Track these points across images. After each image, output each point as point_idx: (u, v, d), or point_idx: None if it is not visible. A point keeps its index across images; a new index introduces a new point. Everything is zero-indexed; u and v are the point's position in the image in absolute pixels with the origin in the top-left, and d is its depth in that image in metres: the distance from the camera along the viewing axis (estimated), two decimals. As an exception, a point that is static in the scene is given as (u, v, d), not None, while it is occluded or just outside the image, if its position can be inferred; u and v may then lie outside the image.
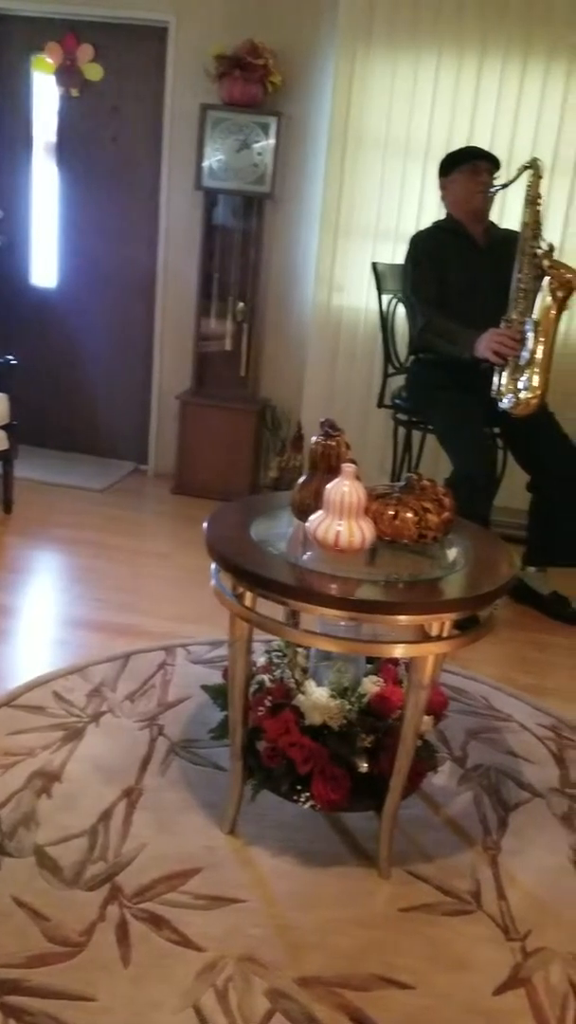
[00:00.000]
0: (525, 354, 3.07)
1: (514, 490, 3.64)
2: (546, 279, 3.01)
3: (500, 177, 3.37)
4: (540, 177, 3.10)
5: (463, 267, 3.40)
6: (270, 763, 1.99)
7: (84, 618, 3.12)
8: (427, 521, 1.99)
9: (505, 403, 3.14)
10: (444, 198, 3.51)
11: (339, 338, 4.31)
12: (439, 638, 1.83)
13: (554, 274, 2.99)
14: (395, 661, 2.21)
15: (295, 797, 1.97)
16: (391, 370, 3.76)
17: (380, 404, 3.81)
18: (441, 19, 3.88)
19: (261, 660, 2.21)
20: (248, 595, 1.88)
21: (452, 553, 2.02)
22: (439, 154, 3.95)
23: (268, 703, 2.04)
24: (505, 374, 3.13)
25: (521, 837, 2.17)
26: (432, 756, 2.19)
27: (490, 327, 3.14)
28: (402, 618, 1.78)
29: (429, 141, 4.01)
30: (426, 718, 2.09)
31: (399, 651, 1.85)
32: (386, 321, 3.73)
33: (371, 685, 2.08)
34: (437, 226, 3.54)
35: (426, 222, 4.04)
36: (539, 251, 3.06)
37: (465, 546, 2.06)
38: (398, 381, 3.75)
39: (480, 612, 1.98)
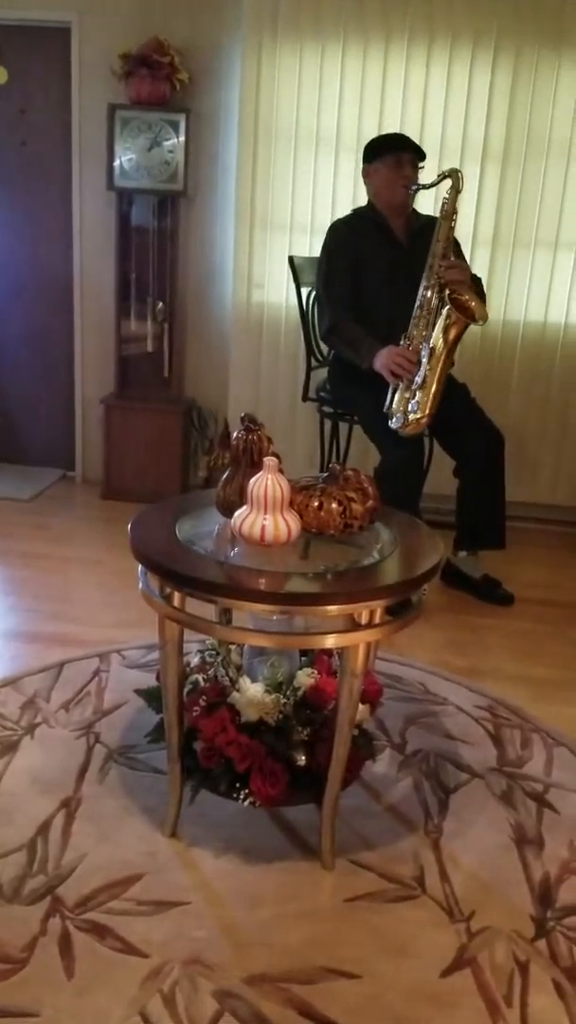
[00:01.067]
0: (418, 378, 3.11)
1: (442, 477, 3.69)
2: (445, 308, 3.04)
3: (425, 168, 3.37)
4: (459, 191, 3.11)
5: (379, 260, 3.39)
6: (207, 763, 1.97)
7: (15, 630, 3.05)
8: (352, 510, 1.99)
9: (394, 423, 3.18)
10: (366, 186, 3.47)
11: (261, 334, 4.30)
12: (369, 625, 1.84)
13: (451, 314, 3.02)
14: (329, 652, 2.21)
15: (234, 795, 1.95)
16: (314, 364, 3.77)
17: (305, 398, 3.82)
18: (344, 9, 3.90)
19: (195, 661, 2.19)
20: (176, 595, 1.86)
21: (378, 541, 2.03)
22: (351, 143, 4.01)
23: (203, 703, 2.02)
24: (398, 393, 3.16)
25: (462, 819, 2.19)
26: (370, 745, 2.20)
27: (399, 328, 3.17)
28: (331, 608, 1.78)
29: (339, 131, 4.02)
30: (362, 707, 2.10)
31: (330, 641, 1.85)
32: (306, 315, 3.74)
33: (306, 678, 2.08)
34: (356, 214, 3.53)
35: (341, 213, 4.06)
36: (443, 278, 3.09)
37: (391, 533, 2.07)
38: (322, 374, 3.75)
39: (411, 597, 1.99)
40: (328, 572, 1.86)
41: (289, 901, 1.89)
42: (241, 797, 1.95)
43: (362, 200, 4.02)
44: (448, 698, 2.75)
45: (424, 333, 3.12)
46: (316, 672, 2.10)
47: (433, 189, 3.28)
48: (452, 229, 3.15)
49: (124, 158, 4.09)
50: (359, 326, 3.31)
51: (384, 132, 3.86)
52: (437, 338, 3.07)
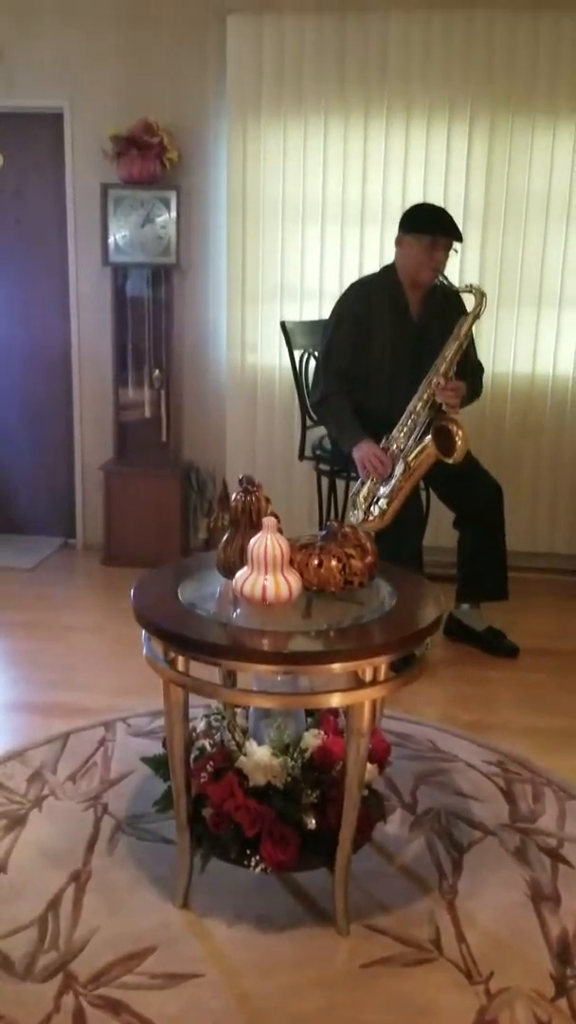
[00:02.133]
0: (386, 488, 3.16)
1: (442, 529, 3.71)
2: (427, 437, 3.10)
3: (459, 251, 3.37)
4: (478, 316, 3.17)
5: (388, 333, 3.36)
6: (217, 829, 1.95)
7: (19, 701, 3.04)
8: (351, 567, 2.01)
9: (352, 518, 3.23)
10: (396, 249, 3.38)
11: (256, 396, 4.37)
12: (373, 682, 1.84)
13: (429, 446, 3.08)
14: (335, 712, 2.20)
15: (245, 862, 1.93)
16: (309, 423, 3.82)
17: (301, 456, 3.86)
18: (324, 85, 4.05)
19: (201, 725, 2.18)
20: (180, 659, 1.87)
21: (379, 597, 2.04)
22: (335, 212, 4.13)
23: (210, 768, 2.01)
24: (366, 487, 3.21)
25: (476, 877, 2.16)
26: (380, 805, 2.18)
27: (395, 405, 3.21)
28: (335, 666, 1.79)
29: (324, 200, 4.14)
30: (370, 766, 2.09)
31: (335, 700, 1.85)
32: (299, 376, 3.80)
33: (312, 739, 2.06)
34: (377, 277, 3.46)
35: (329, 279, 4.18)
36: (438, 397, 3.13)
37: (391, 588, 2.08)
38: (317, 433, 3.80)
39: (414, 652, 1.99)
40: (330, 630, 1.88)
41: (304, 968, 1.86)
42: (252, 864, 1.93)
43: (348, 267, 4.15)
44: (458, 754, 2.73)
45: (404, 445, 3.16)
46: (323, 733, 2.09)
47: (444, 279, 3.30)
48: (460, 350, 3.16)
49: (118, 234, 4.20)
50: (350, 405, 3.33)
51: (368, 202, 4.03)
52: (413, 458, 3.12)
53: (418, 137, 4.06)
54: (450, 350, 3.18)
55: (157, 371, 4.39)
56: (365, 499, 3.21)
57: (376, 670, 1.85)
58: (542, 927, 2.00)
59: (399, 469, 3.15)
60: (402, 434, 3.18)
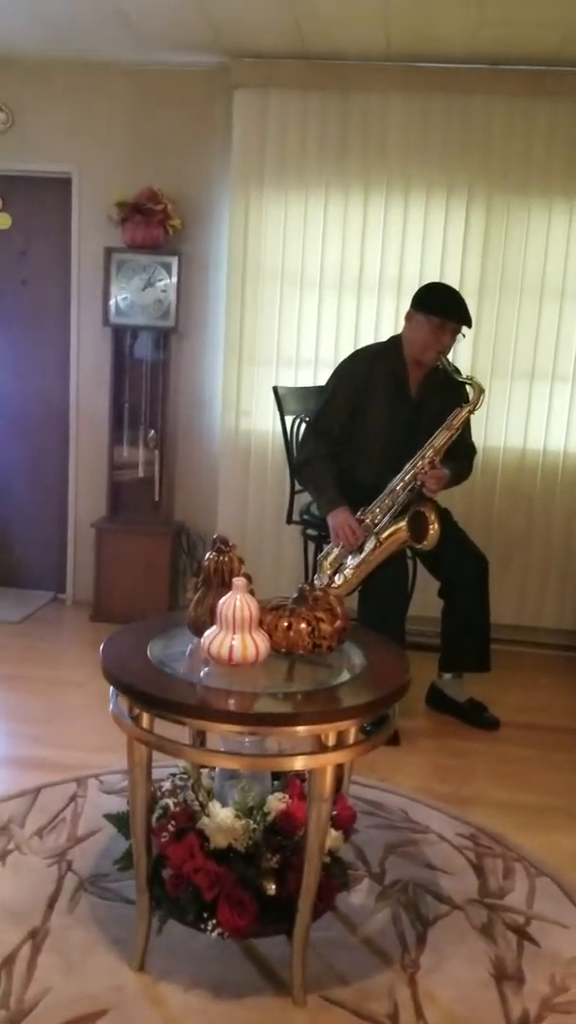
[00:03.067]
0: (354, 560, 3.22)
1: (427, 598, 3.72)
2: (404, 520, 3.16)
3: (465, 336, 3.39)
4: (473, 410, 3.26)
5: (385, 406, 3.39)
6: (175, 891, 1.93)
7: (-6, 754, 3.03)
8: (321, 631, 2.02)
9: (317, 580, 3.28)
10: (405, 323, 3.41)
11: (249, 459, 4.42)
12: (337, 747, 1.84)
13: (402, 530, 3.15)
14: (302, 776, 2.19)
15: (202, 926, 1.91)
16: (298, 487, 3.86)
17: (289, 520, 3.90)
18: (326, 160, 4.19)
19: (167, 784, 2.17)
20: (145, 716, 1.87)
21: (348, 661, 2.05)
22: (333, 282, 4.23)
23: (172, 828, 2.00)
24: (334, 553, 3.27)
25: (440, 952, 2.13)
26: (344, 874, 2.15)
27: (384, 475, 3.26)
28: (300, 729, 1.79)
29: (322, 271, 4.25)
30: (334, 833, 2.07)
31: (299, 763, 1.85)
32: (290, 442, 3.85)
33: (276, 802, 2.05)
34: (382, 350, 3.46)
35: (325, 347, 4.27)
36: (421, 480, 3.19)
37: (361, 653, 2.09)
38: (306, 497, 3.84)
39: (384, 716, 1.99)
40: (297, 692, 1.88)
41: (257, 1040, 1.82)
42: (209, 928, 1.90)
43: (345, 337, 4.24)
44: (430, 826, 2.70)
45: (378, 521, 3.22)
46: (287, 796, 2.08)
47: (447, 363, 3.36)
48: (451, 439, 3.24)
49: (119, 297, 4.31)
50: (332, 470, 3.37)
51: (366, 274, 4.14)
52: (386, 536, 3.18)
53: (416, 213, 4.19)
54: (440, 439, 3.23)
55: (152, 431, 4.46)
56: (331, 564, 3.26)
57: (341, 734, 1.84)
58: (503, 1006, 1.96)
59: (369, 544, 3.20)
60: (379, 510, 3.23)
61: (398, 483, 3.23)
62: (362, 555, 3.20)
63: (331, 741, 1.83)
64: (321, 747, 1.82)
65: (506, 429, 4.29)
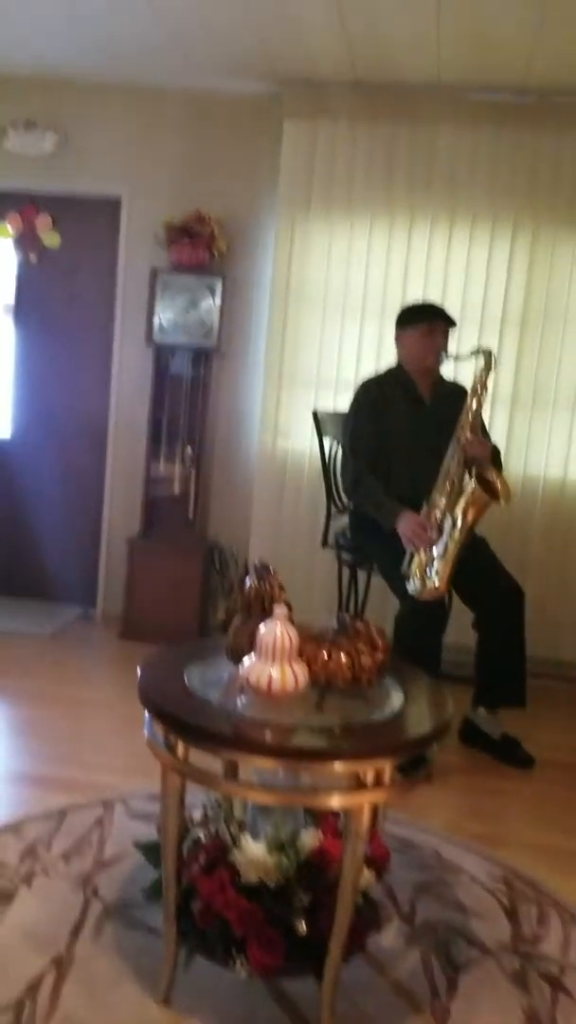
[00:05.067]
0: (439, 548, 3.16)
1: (463, 627, 3.65)
2: (471, 487, 3.13)
3: (450, 336, 3.51)
4: (490, 369, 3.24)
5: (404, 419, 3.48)
6: (204, 925, 1.89)
7: (22, 772, 3.01)
8: (361, 663, 1.99)
9: (411, 587, 3.21)
10: (397, 348, 3.58)
11: (284, 480, 4.41)
12: (374, 786, 1.79)
13: (476, 491, 3.11)
14: (335, 812, 2.15)
15: (230, 963, 1.86)
16: (334, 511, 3.83)
17: (324, 544, 3.86)
18: (372, 188, 4.20)
19: (198, 814, 2.14)
20: (180, 745, 1.84)
21: (387, 696, 2.01)
22: (375, 309, 4.22)
23: (202, 860, 1.96)
24: (416, 559, 3.21)
25: (471, 1000, 2.06)
26: (376, 914, 2.10)
27: (420, 485, 3.25)
28: (337, 765, 1.75)
29: (365, 297, 4.25)
30: (367, 873, 2.02)
31: (335, 801, 1.80)
32: (328, 464, 3.83)
33: (309, 839, 2.01)
34: (387, 373, 3.62)
35: (364, 372, 4.23)
36: (467, 452, 3.18)
37: (400, 688, 2.05)
38: (342, 521, 3.81)
39: (422, 756, 1.94)
40: (334, 727, 1.84)
41: None
42: (237, 965, 1.86)
43: (384, 362, 4.21)
44: (462, 867, 2.63)
45: (446, 502, 3.18)
46: (321, 833, 2.04)
47: (452, 355, 3.42)
48: (480, 404, 3.25)
49: (163, 316, 4.32)
50: (381, 483, 3.39)
51: (408, 301, 4.07)
52: (460, 511, 3.13)
53: (461, 242, 4.18)
54: (473, 404, 3.24)
55: (189, 448, 4.45)
56: (419, 569, 3.20)
57: (379, 773, 1.80)
58: (537, 1062, 1.89)
59: (447, 525, 3.14)
60: (441, 496, 3.20)
61: (449, 464, 3.22)
62: (444, 540, 3.14)
63: (369, 779, 1.78)
64: (359, 785, 1.78)
65: (547, 459, 4.24)
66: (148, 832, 2.49)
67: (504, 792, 3.17)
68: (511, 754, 3.40)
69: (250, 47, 3.74)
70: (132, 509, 4.59)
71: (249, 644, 1.96)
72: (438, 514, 3.18)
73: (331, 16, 3.38)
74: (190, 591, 4.44)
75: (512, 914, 2.42)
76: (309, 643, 1.98)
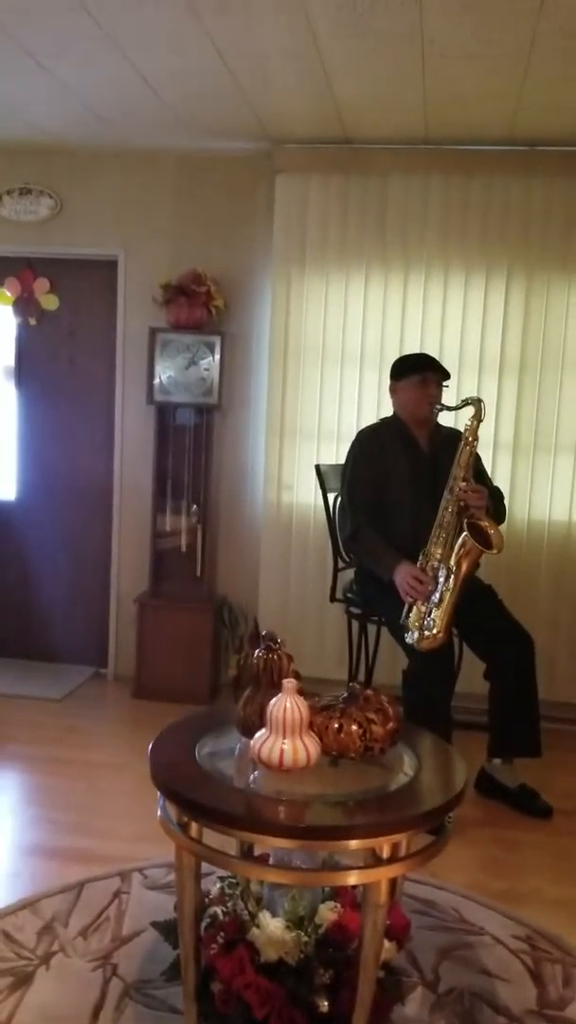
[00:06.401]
0: (435, 597, 3.17)
1: (475, 675, 3.63)
2: (463, 535, 3.13)
3: (449, 387, 3.54)
4: (480, 420, 3.25)
5: (403, 468, 3.50)
6: (224, 1008, 1.87)
7: (37, 844, 2.99)
8: (372, 733, 1.98)
9: (408, 638, 3.22)
10: (392, 399, 3.61)
11: (291, 534, 4.41)
12: (391, 860, 1.78)
13: (467, 541, 3.11)
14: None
15: (252, 1046, 1.84)
16: (341, 565, 3.84)
17: (332, 599, 3.86)
18: (366, 242, 4.25)
19: (214, 890, 2.12)
20: (194, 825, 1.83)
21: (401, 764, 2.00)
22: (374, 360, 4.25)
23: (221, 939, 1.94)
24: (414, 610, 3.21)
25: (500, 1072, 2.03)
26: (398, 986, 2.08)
27: (421, 533, 3.25)
28: (352, 843, 1.74)
29: (363, 349, 4.28)
30: (388, 944, 2.00)
31: (352, 878, 1.80)
32: (332, 519, 3.84)
33: (328, 912, 1.99)
34: (383, 423, 3.67)
35: (365, 423, 4.25)
36: (462, 500, 3.18)
37: (413, 755, 2.04)
38: (349, 575, 3.81)
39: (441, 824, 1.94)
40: (348, 802, 1.83)
41: None
42: (260, 1048, 1.83)
43: (384, 412, 4.23)
44: (484, 927, 2.60)
45: (441, 553, 3.18)
46: (339, 905, 2.02)
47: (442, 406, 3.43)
48: (472, 454, 3.26)
49: (163, 375, 4.37)
50: (380, 535, 3.39)
51: (406, 351, 4.11)
52: (455, 561, 3.14)
53: (456, 291, 4.21)
54: (463, 455, 3.24)
55: (195, 506, 4.47)
56: (416, 620, 3.20)
57: (395, 846, 1.79)
58: None
59: (442, 575, 3.14)
60: (436, 547, 3.20)
61: (443, 514, 3.22)
62: (439, 590, 3.14)
63: (385, 853, 1.77)
64: (375, 860, 1.77)
65: (551, 503, 4.24)
66: (166, 903, 2.47)
67: (523, 845, 3.14)
68: (529, 805, 3.36)
69: (241, 112, 3.82)
70: (140, 568, 4.60)
71: (259, 716, 1.96)
72: (434, 564, 3.19)
73: (320, 84, 3.46)
74: (201, 648, 4.43)
75: (537, 976, 2.39)
76: (319, 715, 1.98)
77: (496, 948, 2.50)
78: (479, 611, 3.36)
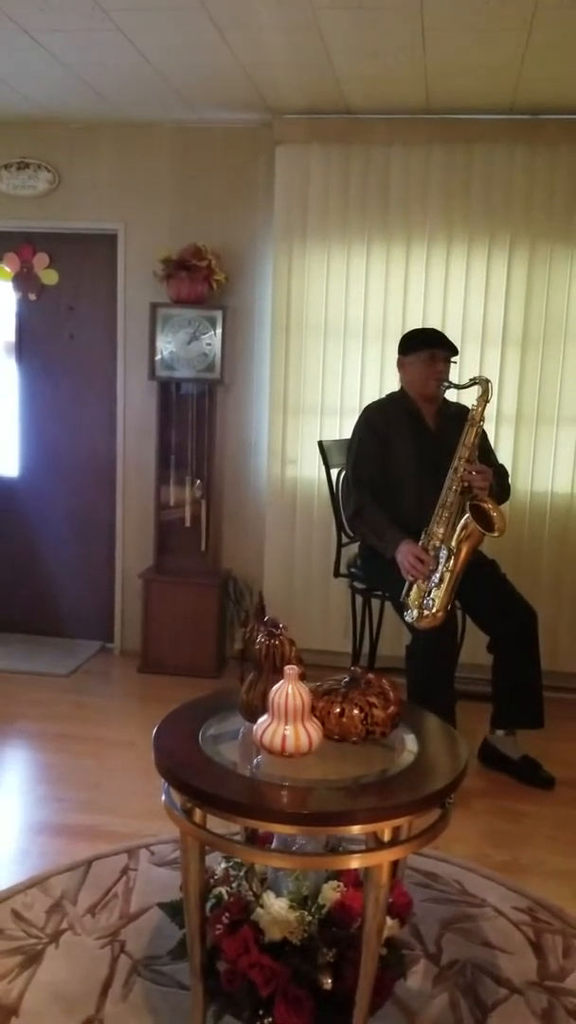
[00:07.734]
0: (436, 576, 3.17)
1: (477, 646, 3.66)
2: (465, 517, 3.13)
3: (457, 362, 3.52)
4: (487, 400, 3.23)
5: (409, 445, 3.49)
6: (230, 986, 1.91)
7: (46, 822, 3.04)
8: (373, 716, 2.00)
9: (408, 616, 3.23)
10: (400, 374, 3.59)
11: (295, 508, 4.42)
12: (393, 843, 1.81)
13: (469, 524, 3.11)
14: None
15: (258, 1023, 1.88)
16: (344, 540, 3.85)
17: (336, 574, 3.88)
18: (368, 213, 4.20)
19: (219, 870, 2.16)
20: (198, 811, 1.86)
21: (401, 747, 2.02)
22: (376, 333, 4.23)
23: (226, 920, 1.98)
24: (414, 588, 3.22)
25: (501, 1043, 2.08)
26: (400, 962, 2.12)
27: (426, 511, 3.25)
28: (355, 828, 1.77)
29: (366, 322, 4.26)
30: (390, 921, 2.04)
31: (355, 862, 1.82)
32: (336, 495, 3.85)
33: (331, 892, 2.03)
34: (390, 399, 3.64)
35: (368, 397, 4.25)
36: (467, 481, 3.18)
37: (415, 739, 2.06)
38: (353, 550, 3.82)
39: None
40: (350, 786, 1.86)
41: None
42: (265, 1024, 1.88)
43: (388, 386, 4.23)
44: (486, 899, 2.64)
45: (443, 532, 3.18)
46: (342, 885, 2.05)
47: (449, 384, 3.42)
48: (478, 434, 3.24)
49: (165, 351, 4.35)
50: (384, 512, 3.39)
51: (409, 323, 4.09)
52: (455, 542, 3.14)
53: (459, 262, 4.18)
54: (468, 436, 3.23)
55: (199, 482, 4.48)
56: (416, 599, 3.21)
57: (397, 829, 1.82)
58: None
59: (443, 555, 3.15)
60: (439, 526, 3.20)
61: (447, 494, 3.22)
62: (439, 570, 3.15)
63: (387, 837, 1.80)
64: (377, 843, 1.80)
65: (553, 475, 4.24)
66: (173, 880, 2.50)
67: (526, 816, 3.18)
68: (532, 775, 3.40)
69: (240, 83, 3.76)
70: (145, 543, 4.62)
71: (262, 701, 1.98)
72: (436, 543, 3.19)
73: (320, 56, 3.40)
74: (207, 622, 4.46)
75: (538, 948, 2.43)
76: (321, 699, 2.00)
77: (498, 920, 2.55)
78: (482, 584, 3.38)
